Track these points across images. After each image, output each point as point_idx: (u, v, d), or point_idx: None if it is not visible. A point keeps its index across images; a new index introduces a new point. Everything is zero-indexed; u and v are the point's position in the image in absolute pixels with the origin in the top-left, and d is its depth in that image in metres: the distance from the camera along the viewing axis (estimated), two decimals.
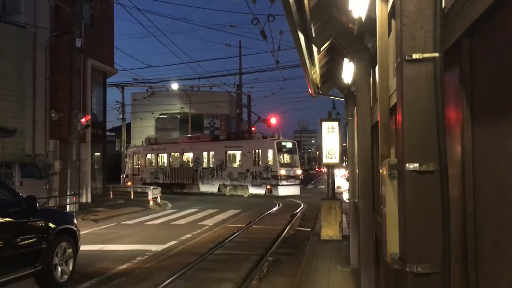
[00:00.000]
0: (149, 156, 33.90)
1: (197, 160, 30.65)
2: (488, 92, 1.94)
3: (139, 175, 33.76)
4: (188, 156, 31.50)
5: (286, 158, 28.19)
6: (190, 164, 31.17)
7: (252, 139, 29.09)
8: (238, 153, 28.90)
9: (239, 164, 28.66)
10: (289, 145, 28.36)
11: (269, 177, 26.65)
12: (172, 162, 32.39)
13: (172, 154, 32.45)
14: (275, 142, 27.01)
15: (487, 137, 1.94)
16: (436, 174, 2.05)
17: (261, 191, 27.19)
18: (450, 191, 2.05)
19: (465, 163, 2.10)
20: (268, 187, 26.48)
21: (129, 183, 32.41)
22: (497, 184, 1.83)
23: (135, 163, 34.51)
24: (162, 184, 30.62)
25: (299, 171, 28.11)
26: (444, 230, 2.01)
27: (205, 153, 30.36)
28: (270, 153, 26.98)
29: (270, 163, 26.78)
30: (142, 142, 36.18)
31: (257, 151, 27.60)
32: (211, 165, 29.82)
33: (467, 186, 2.09)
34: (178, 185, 31.53)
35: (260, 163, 27.19)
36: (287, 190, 26.45)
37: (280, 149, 27.37)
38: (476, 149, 2.04)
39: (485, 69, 1.95)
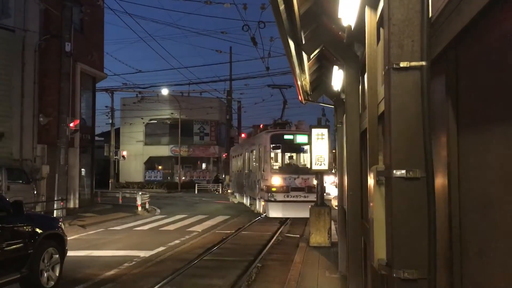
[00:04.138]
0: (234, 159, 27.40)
1: (244, 164, 23.08)
2: (473, 101, 1.97)
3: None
4: (243, 158, 23.66)
5: (289, 159, 18.97)
6: (240, 169, 24.51)
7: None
8: (252, 155, 20.94)
9: (251, 169, 21.13)
10: (298, 138, 17.84)
11: (263, 187, 17.77)
12: (239, 167, 25.47)
13: (240, 157, 24.81)
14: (269, 135, 17.94)
15: (472, 144, 1.97)
16: (423, 180, 2.08)
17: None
18: (436, 197, 2.07)
19: (451, 170, 2.13)
20: (263, 202, 17.64)
21: (227, 192, 28.19)
22: (482, 190, 1.86)
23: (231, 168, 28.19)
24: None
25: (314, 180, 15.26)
26: (430, 236, 2.04)
27: (247, 155, 22.44)
28: (265, 152, 18.05)
29: (264, 167, 18.05)
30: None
31: (257, 150, 19.11)
32: (246, 170, 22.38)
33: (452, 192, 2.12)
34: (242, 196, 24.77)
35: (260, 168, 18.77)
36: (285, 209, 16.80)
37: (278, 146, 18.33)
38: (462, 156, 2.07)
39: (470, 78, 1.99)
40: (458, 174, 2.10)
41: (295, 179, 17.01)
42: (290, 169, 17.92)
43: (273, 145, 17.93)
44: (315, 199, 15.10)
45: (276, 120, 21.26)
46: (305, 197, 16.63)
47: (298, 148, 18.69)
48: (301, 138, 17.68)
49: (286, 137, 18.03)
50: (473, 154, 1.97)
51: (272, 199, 16.87)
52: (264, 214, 17.85)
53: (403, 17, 2.15)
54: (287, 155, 19.10)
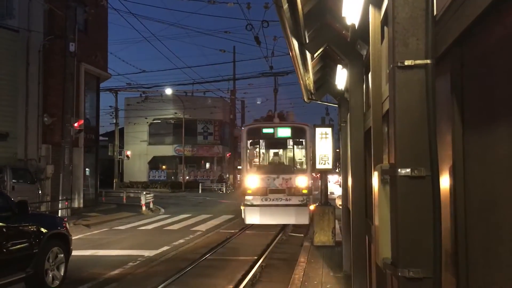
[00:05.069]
0: None
1: None
2: (478, 99, 1.96)
3: None
4: None
5: (274, 155, 16.53)
6: None
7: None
8: None
9: None
10: (280, 132, 15.12)
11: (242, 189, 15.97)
12: None
13: None
14: (245, 129, 15.87)
15: (477, 143, 1.96)
16: (428, 179, 2.07)
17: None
18: (441, 196, 2.06)
19: (456, 168, 2.12)
20: (242, 207, 14.88)
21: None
22: (488, 189, 1.85)
23: None
24: None
25: (301, 180, 14.37)
26: (435, 235, 2.03)
27: None
28: (241, 148, 16.17)
29: (242, 166, 16.09)
30: None
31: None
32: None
33: (458, 191, 2.11)
34: None
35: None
36: (264, 215, 14.27)
37: (257, 141, 15.95)
38: (467, 154, 2.06)
39: (475, 76, 1.98)
40: (463, 172, 2.09)
41: (274, 179, 14.43)
42: (269, 168, 15.51)
43: (250, 140, 15.48)
44: (298, 203, 13.92)
45: (268, 112, 18.58)
46: (286, 200, 14.21)
47: (280, 143, 16.14)
48: (283, 132, 15.16)
49: (265, 130, 15.25)
50: (478, 152, 1.96)
51: (249, 203, 14.36)
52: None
53: (407, 15, 2.14)
54: (272, 151, 16.76)
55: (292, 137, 15.37)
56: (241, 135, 16.31)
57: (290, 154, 16.31)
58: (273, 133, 15.10)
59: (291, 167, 15.39)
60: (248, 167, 15.06)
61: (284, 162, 16.34)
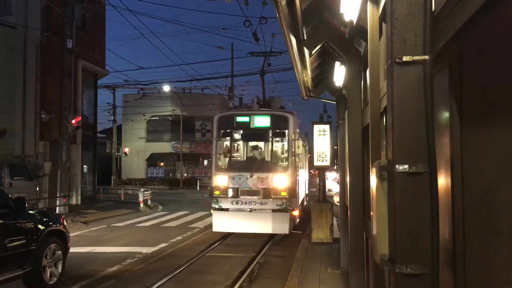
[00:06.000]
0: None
1: None
2: (476, 95, 1.96)
3: None
4: None
5: (253, 149, 13.65)
6: None
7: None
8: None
9: None
10: (257, 121, 12.52)
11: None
12: None
13: None
14: (216, 118, 13.01)
15: (475, 139, 1.96)
16: (426, 175, 2.07)
17: None
18: (439, 192, 2.06)
19: (454, 164, 2.12)
20: (212, 210, 12.35)
21: None
22: (486, 185, 1.85)
23: None
24: None
25: (280, 180, 11.85)
26: (433, 231, 2.03)
27: None
28: (212, 140, 13.02)
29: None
30: None
31: None
32: None
33: (456, 187, 2.11)
34: None
35: None
36: (234, 221, 11.89)
37: (229, 132, 13.05)
38: (465, 151, 2.06)
39: (474, 72, 1.98)
40: (461, 169, 2.09)
41: (247, 178, 11.85)
42: (241, 164, 12.99)
43: (222, 131, 12.79)
44: (276, 207, 11.60)
45: (253, 99, 14.91)
46: (261, 204, 11.68)
47: (257, 135, 13.29)
48: (260, 121, 12.43)
49: (239, 119, 12.48)
50: (476, 149, 1.96)
51: (217, 207, 11.97)
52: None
53: (406, 11, 2.14)
54: (248, 145, 14.06)
55: (272, 128, 12.53)
56: (212, 125, 13.69)
57: (269, 148, 13.35)
58: (249, 122, 12.45)
59: (269, 164, 12.69)
60: (218, 163, 12.70)
61: (263, 158, 13.51)
